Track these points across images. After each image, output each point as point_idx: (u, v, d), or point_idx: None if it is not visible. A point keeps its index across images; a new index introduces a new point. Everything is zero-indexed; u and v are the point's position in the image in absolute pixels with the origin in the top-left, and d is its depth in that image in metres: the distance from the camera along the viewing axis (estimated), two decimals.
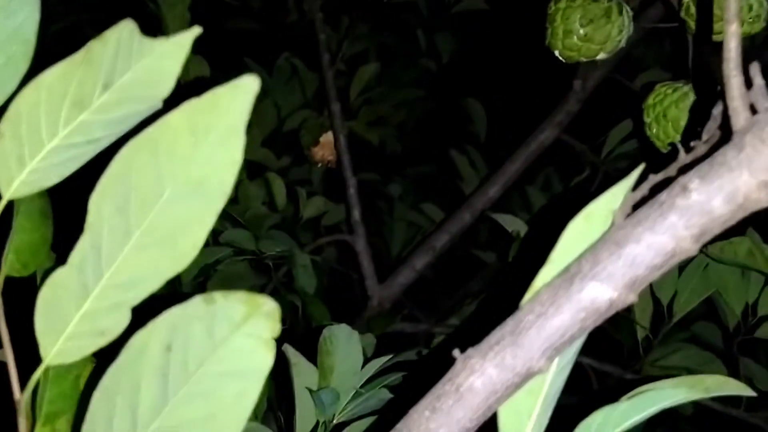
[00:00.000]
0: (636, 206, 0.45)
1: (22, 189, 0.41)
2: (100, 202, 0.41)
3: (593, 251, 0.41)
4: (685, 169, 0.47)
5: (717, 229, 0.38)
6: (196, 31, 0.38)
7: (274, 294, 1.37)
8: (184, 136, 0.40)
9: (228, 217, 1.34)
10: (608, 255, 0.40)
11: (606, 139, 1.42)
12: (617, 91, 1.45)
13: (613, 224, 0.42)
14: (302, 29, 1.62)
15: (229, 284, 1.34)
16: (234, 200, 1.35)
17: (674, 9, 0.94)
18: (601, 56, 0.92)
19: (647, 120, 0.89)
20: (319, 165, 1.48)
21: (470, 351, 0.38)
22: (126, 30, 0.39)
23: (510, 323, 0.38)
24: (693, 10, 0.81)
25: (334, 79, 1.34)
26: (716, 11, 0.80)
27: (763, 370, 1.13)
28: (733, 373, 1.09)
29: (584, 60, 0.93)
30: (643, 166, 0.45)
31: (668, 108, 0.85)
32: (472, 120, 1.78)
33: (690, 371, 1.07)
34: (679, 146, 0.50)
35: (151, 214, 0.42)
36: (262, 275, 1.37)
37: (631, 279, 0.39)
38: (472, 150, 1.74)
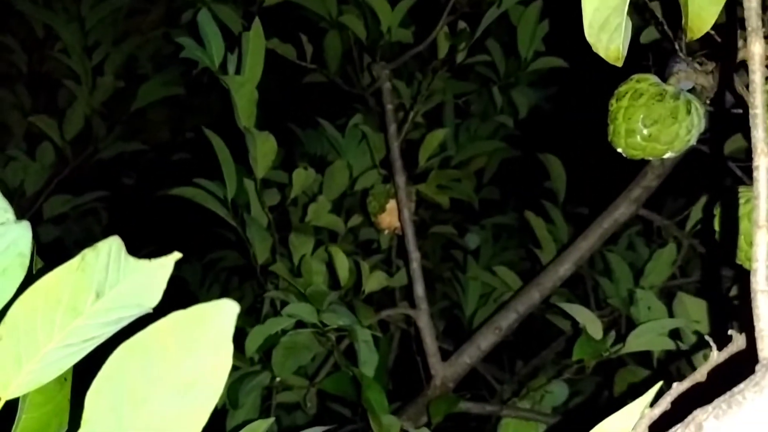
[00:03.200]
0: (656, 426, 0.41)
1: (18, 390, 0.42)
2: (95, 399, 0.43)
3: None
4: (717, 378, 0.43)
5: None
6: (176, 255, 0.38)
7: (337, 368, 1.38)
8: (172, 345, 0.41)
9: (291, 287, 1.36)
10: None
11: (690, 212, 1.33)
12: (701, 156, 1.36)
13: None
14: (375, 90, 1.63)
15: (293, 352, 1.35)
16: (297, 273, 1.36)
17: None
18: (668, 155, 0.87)
19: (716, 228, 0.82)
20: (386, 232, 1.48)
21: None
22: (115, 245, 0.40)
23: None
24: None
25: (400, 149, 1.33)
26: None
27: None
28: None
29: (650, 159, 0.88)
30: (660, 384, 0.41)
31: (740, 219, 0.78)
32: (551, 176, 1.72)
33: None
34: (712, 343, 0.46)
35: (143, 413, 0.43)
36: (325, 345, 1.38)
37: None
38: (552, 207, 1.69)
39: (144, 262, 0.39)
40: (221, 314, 0.40)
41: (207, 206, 1.41)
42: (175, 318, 0.40)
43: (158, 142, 2.15)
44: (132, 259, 0.39)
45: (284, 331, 1.31)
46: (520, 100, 1.74)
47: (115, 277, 0.40)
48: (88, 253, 0.41)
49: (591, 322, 1.09)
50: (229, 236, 1.87)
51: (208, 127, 1.36)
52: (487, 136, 1.82)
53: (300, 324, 1.29)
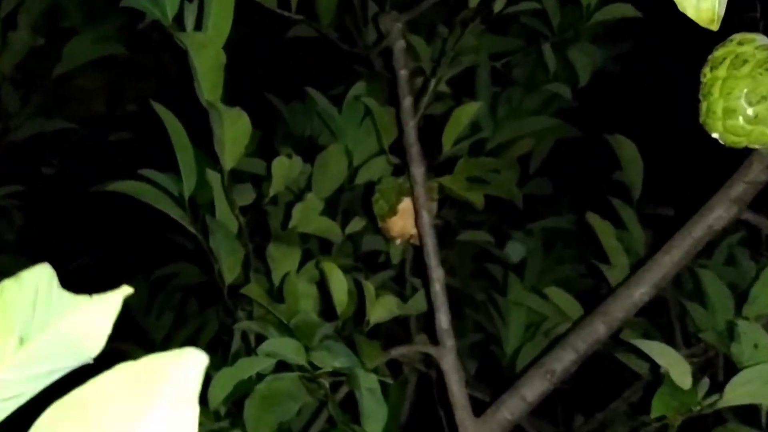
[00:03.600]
0: None
1: None
2: None
3: None
4: None
5: None
6: (126, 291, 0.40)
7: (332, 424, 1.39)
8: (119, 406, 0.42)
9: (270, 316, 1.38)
10: None
11: None
12: None
13: None
14: (383, 49, 1.64)
15: (273, 403, 1.37)
16: (278, 297, 1.38)
17: None
18: None
19: None
20: (399, 241, 1.49)
21: None
22: (44, 276, 0.41)
23: None
24: None
25: (418, 130, 1.34)
26: None
27: None
28: None
29: (757, 147, 0.89)
30: None
31: None
32: (622, 165, 1.73)
33: None
34: None
35: None
36: (316, 394, 1.39)
37: None
38: (624, 207, 1.70)
39: (83, 299, 0.40)
40: (184, 368, 0.41)
41: (156, 206, 1.42)
42: (124, 372, 0.42)
43: (90, 118, 2.17)
44: (67, 295, 0.41)
45: (260, 376, 1.32)
46: (581, 61, 1.74)
47: (44, 318, 0.42)
48: (8, 285, 0.42)
49: (676, 365, 1.10)
50: (187, 245, 1.88)
51: (157, 99, 1.37)
52: (535, 110, 1.83)
53: (282, 366, 1.30)
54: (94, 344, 0.42)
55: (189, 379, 0.41)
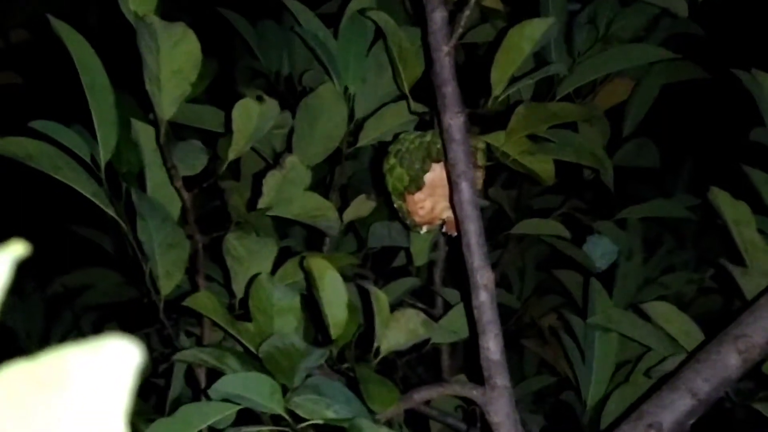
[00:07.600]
0: None
1: None
2: None
3: None
4: None
5: None
6: (19, 249, 0.39)
7: None
8: (16, 419, 0.41)
9: (229, 341, 1.38)
10: None
11: None
12: None
13: None
14: None
15: None
16: (243, 312, 1.38)
17: None
18: None
19: None
20: (425, 230, 1.49)
21: None
22: None
23: None
24: None
25: (454, 61, 1.33)
26: None
27: None
28: None
29: None
30: None
31: None
32: (765, 117, 1.73)
33: None
34: None
35: None
36: None
37: None
38: (767, 181, 1.70)
39: None
40: (106, 368, 0.40)
41: (55, 176, 1.41)
42: (17, 377, 0.41)
43: None
44: None
45: (215, 431, 1.32)
46: None
47: None
48: None
49: None
50: (102, 240, 1.88)
51: (60, 16, 1.37)
52: (632, 35, 1.82)
53: (247, 415, 1.31)
54: None
55: (112, 385, 0.40)
